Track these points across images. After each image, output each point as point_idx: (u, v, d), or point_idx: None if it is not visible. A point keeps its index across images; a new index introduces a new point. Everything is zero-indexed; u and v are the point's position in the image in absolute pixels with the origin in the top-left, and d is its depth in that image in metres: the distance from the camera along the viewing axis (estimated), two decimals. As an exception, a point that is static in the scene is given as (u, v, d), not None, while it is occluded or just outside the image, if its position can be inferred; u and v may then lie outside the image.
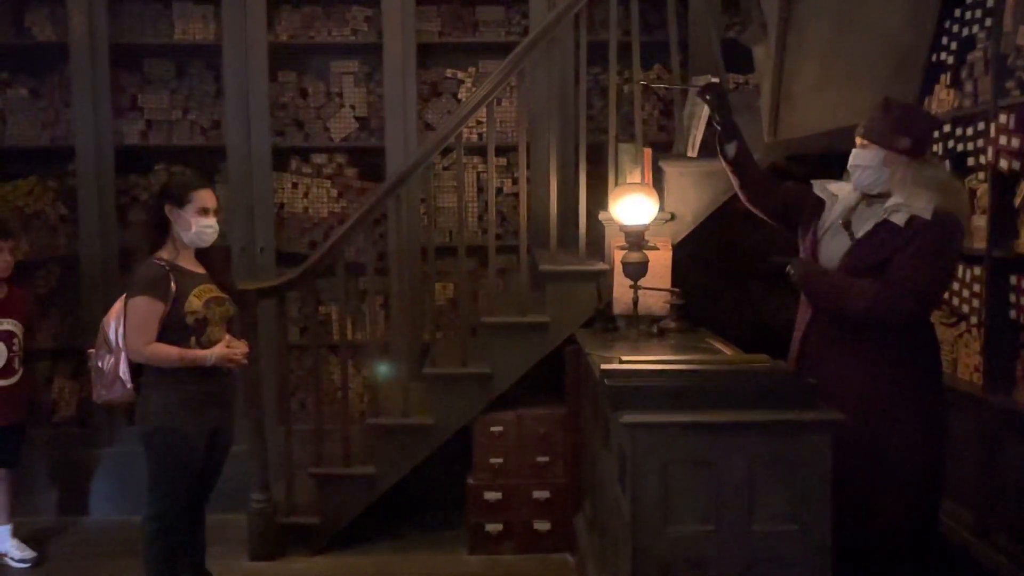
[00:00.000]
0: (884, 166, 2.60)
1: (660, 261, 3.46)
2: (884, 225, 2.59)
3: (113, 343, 3.04)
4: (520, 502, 3.81)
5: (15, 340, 3.71)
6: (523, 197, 3.87)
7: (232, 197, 4.27)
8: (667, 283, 3.49)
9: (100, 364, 3.07)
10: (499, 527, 3.81)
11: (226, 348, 3.04)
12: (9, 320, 3.71)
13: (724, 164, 3.09)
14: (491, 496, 3.80)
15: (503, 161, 4.37)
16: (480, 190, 4.41)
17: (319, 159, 4.45)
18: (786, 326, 4.27)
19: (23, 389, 3.79)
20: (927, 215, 2.53)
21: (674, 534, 2.22)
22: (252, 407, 3.77)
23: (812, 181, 2.87)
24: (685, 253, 3.66)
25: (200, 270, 3.11)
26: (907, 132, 2.59)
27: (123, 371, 3.03)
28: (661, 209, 3.48)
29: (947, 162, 3.34)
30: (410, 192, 4.02)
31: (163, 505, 3.05)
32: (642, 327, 3.40)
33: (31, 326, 3.88)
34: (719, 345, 3.08)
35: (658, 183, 3.65)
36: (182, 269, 3.05)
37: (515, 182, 4.36)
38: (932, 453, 2.60)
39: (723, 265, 4.33)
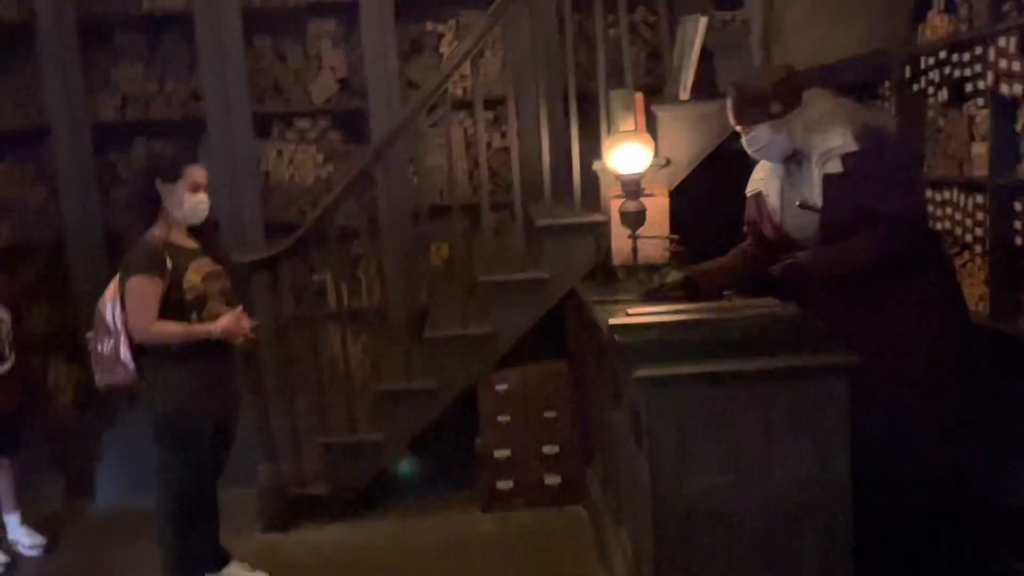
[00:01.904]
0: (777, 133, 2.66)
1: (658, 208, 3.40)
2: (827, 181, 2.59)
3: (111, 326, 2.99)
4: (530, 458, 3.80)
5: (2, 327, 3.65)
6: (514, 151, 3.79)
7: (215, 169, 4.16)
8: (665, 230, 3.43)
9: (100, 348, 3.02)
10: (510, 484, 3.81)
11: (230, 320, 2.98)
12: (-4, 307, 3.64)
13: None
14: (500, 454, 3.79)
15: (491, 115, 4.27)
16: (468, 146, 4.33)
17: (302, 124, 4.35)
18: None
19: (17, 376, 3.73)
20: (852, 146, 2.55)
21: (693, 487, 2.20)
22: (254, 381, 3.73)
23: (746, 192, 2.97)
24: (682, 198, 3.60)
25: (194, 245, 3.05)
26: (771, 99, 2.64)
27: (124, 354, 2.98)
28: (656, 155, 3.40)
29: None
30: (397, 153, 3.93)
31: (175, 487, 3.03)
32: (643, 276, 3.36)
33: (20, 313, 3.81)
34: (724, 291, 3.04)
35: (651, 128, 3.57)
36: (176, 245, 2.99)
37: (504, 136, 4.28)
38: (956, 403, 2.56)
39: (721, 208, 4.27)
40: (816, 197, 2.64)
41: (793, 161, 2.73)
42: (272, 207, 4.31)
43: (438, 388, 3.76)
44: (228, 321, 3.00)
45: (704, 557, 2.23)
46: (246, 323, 3.05)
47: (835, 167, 2.58)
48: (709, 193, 4.09)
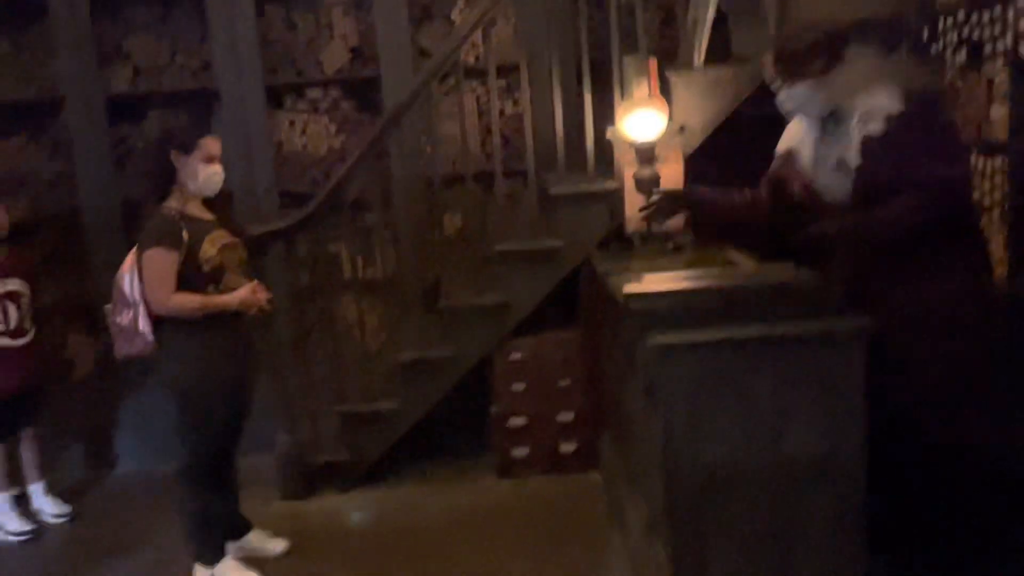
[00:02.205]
0: (817, 91, 2.56)
1: (672, 175, 3.38)
2: (867, 142, 2.47)
3: (130, 297, 3.01)
4: (544, 426, 3.83)
5: (22, 299, 3.68)
6: (527, 119, 3.77)
7: (229, 140, 4.17)
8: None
9: (119, 320, 3.05)
10: (525, 452, 3.84)
11: (247, 292, 3.01)
12: (14, 280, 3.67)
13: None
14: (515, 422, 3.81)
15: (503, 83, 4.24)
16: (481, 115, 4.30)
17: (314, 94, 4.33)
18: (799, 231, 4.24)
19: (37, 348, 3.77)
20: (897, 106, 2.43)
21: (706, 453, 2.21)
22: (271, 351, 3.76)
23: (776, 151, 2.86)
24: (696, 165, 3.58)
25: (210, 216, 3.07)
26: (813, 55, 2.54)
27: (143, 325, 3.01)
28: (670, 121, 3.38)
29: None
30: (410, 122, 3.92)
31: (195, 457, 3.07)
32: (657, 244, 3.34)
33: (38, 285, 3.84)
34: (738, 257, 3.02)
35: (665, 94, 3.54)
36: (192, 217, 3.00)
37: (516, 104, 4.25)
38: (983, 372, 2.47)
39: (735, 173, 4.24)
40: (853, 158, 2.53)
41: (831, 119, 2.61)
42: (285, 178, 4.31)
43: (453, 357, 3.78)
44: (245, 293, 3.02)
45: (717, 523, 2.24)
46: (262, 295, 3.07)
47: (876, 128, 2.45)
48: (724, 159, 4.07)
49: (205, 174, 3.01)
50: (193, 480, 3.09)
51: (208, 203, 3.09)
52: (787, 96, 2.65)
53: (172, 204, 3.00)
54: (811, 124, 2.69)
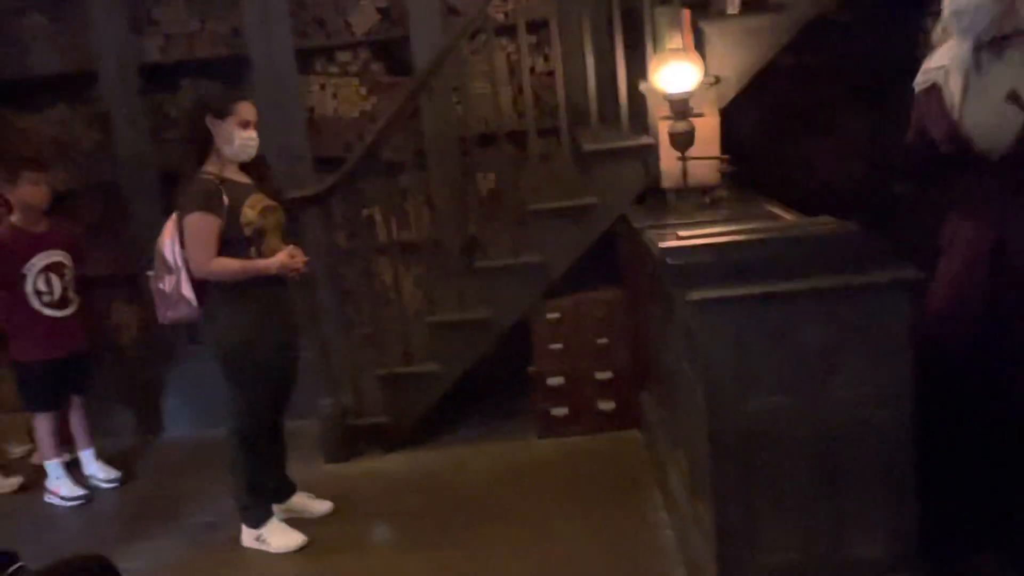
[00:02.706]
0: (997, 1, 2.17)
1: (708, 128, 3.33)
2: None
3: (172, 263, 3.05)
4: (583, 385, 3.82)
5: (65, 270, 3.74)
6: (559, 75, 3.72)
7: (261, 105, 4.16)
8: (716, 151, 3.36)
9: (161, 286, 3.09)
10: (565, 411, 3.84)
11: (287, 256, 3.03)
12: (57, 251, 3.73)
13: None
14: (554, 382, 3.81)
15: (533, 39, 4.18)
16: (512, 72, 4.25)
17: (344, 57, 4.32)
18: (843, 181, 4.16)
19: (82, 318, 3.84)
20: None
21: (749, 409, 2.18)
22: (311, 315, 3.79)
23: (914, 85, 2.47)
24: (732, 117, 3.51)
25: (247, 180, 3.09)
26: None
27: (186, 290, 3.04)
28: (705, 73, 3.31)
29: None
30: (441, 82, 3.88)
31: (244, 420, 3.13)
32: (694, 199, 3.30)
33: (81, 255, 3.90)
34: (777, 210, 2.98)
35: (699, 46, 3.47)
36: (231, 181, 3.03)
37: (547, 60, 4.20)
38: None
39: (772, 125, 4.17)
40: None
41: (989, 49, 2.23)
42: (319, 142, 4.31)
43: (491, 318, 3.78)
44: (284, 257, 3.04)
45: (761, 477, 2.22)
46: (299, 259, 3.08)
47: None
48: (761, 111, 4.00)
49: (240, 139, 3.02)
50: (242, 443, 3.14)
51: (245, 167, 3.11)
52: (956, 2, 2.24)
53: (210, 169, 3.02)
54: (963, 54, 2.27)
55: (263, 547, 3.20)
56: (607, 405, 3.83)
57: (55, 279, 3.69)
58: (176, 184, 3.14)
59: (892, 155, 2.76)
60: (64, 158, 4.36)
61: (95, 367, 4.00)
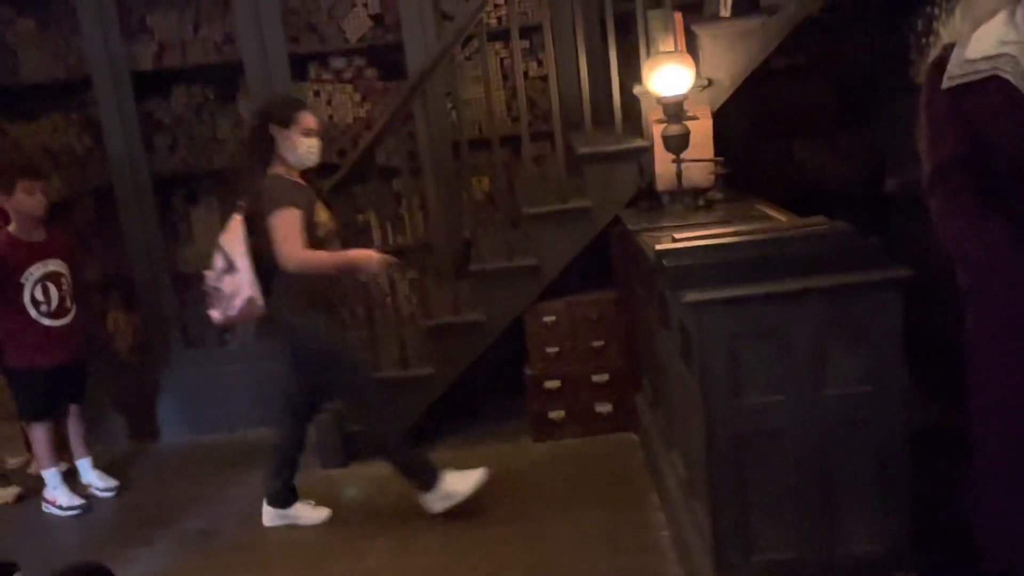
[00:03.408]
0: None
1: (701, 131, 3.35)
2: None
3: (234, 262, 3.10)
4: (579, 387, 3.83)
5: (63, 279, 3.74)
6: (552, 79, 3.73)
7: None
8: (710, 153, 3.38)
9: (219, 285, 3.13)
10: (561, 413, 3.85)
11: (377, 253, 3.14)
12: (54, 260, 3.72)
13: None
14: (550, 384, 3.82)
15: (526, 44, 4.20)
16: (505, 77, 4.27)
17: (337, 63, 4.33)
18: (835, 181, 4.19)
19: (79, 326, 3.83)
20: None
21: (745, 408, 2.20)
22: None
23: (946, 77, 1.93)
24: (724, 119, 3.53)
25: (306, 185, 3.16)
26: None
27: (253, 290, 3.09)
28: (698, 76, 3.34)
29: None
30: (435, 87, 3.90)
31: (359, 393, 3.27)
32: (688, 201, 3.32)
33: (77, 263, 3.90)
34: (771, 211, 3.00)
35: (692, 49, 3.49)
36: (301, 185, 3.12)
37: (540, 64, 4.22)
38: None
39: (763, 127, 4.19)
40: None
41: None
42: (313, 148, 4.31)
43: (486, 321, 3.79)
44: (380, 255, 3.14)
45: (757, 477, 2.24)
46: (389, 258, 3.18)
47: None
48: (754, 113, 4.02)
49: (304, 147, 3.10)
50: (388, 417, 3.26)
51: (302, 174, 3.18)
52: None
53: (280, 171, 3.09)
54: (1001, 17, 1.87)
55: (456, 501, 3.25)
56: (603, 407, 3.84)
57: (53, 288, 3.69)
58: (236, 187, 3.24)
59: (907, 172, 2.54)
60: (57, 166, 4.35)
61: (91, 375, 3.99)
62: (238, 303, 3.11)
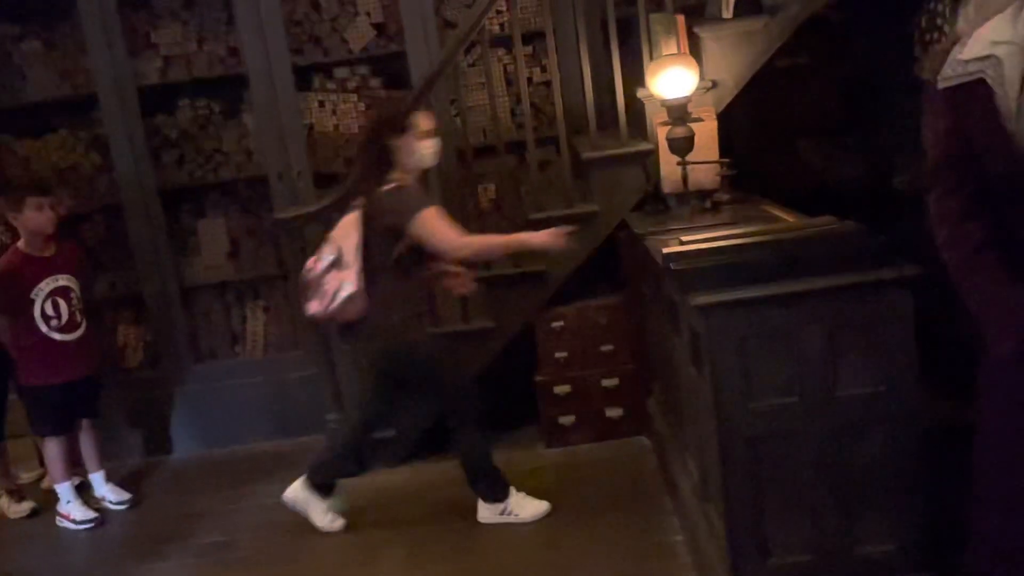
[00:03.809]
0: None
1: (706, 132, 3.34)
2: None
3: (346, 259, 3.13)
4: (590, 392, 3.83)
5: (73, 295, 3.75)
6: (556, 84, 3.73)
7: (261, 124, 4.21)
8: (715, 155, 3.38)
9: (322, 280, 3.16)
10: (572, 419, 3.85)
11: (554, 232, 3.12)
12: (64, 276, 3.74)
13: None
14: (560, 390, 3.82)
15: (529, 50, 4.20)
16: (509, 83, 4.27)
17: (341, 73, 4.33)
18: (841, 181, 4.18)
19: (90, 341, 3.85)
20: None
21: (757, 410, 2.19)
22: (315, 331, 3.80)
23: (938, 81, 1.81)
24: (729, 121, 3.53)
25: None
26: None
27: (357, 287, 3.12)
28: (701, 78, 3.33)
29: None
30: (438, 95, 3.90)
31: (467, 403, 3.23)
32: (694, 203, 3.32)
33: (86, 278, 3.92)
34: (778, 212, 2.99)
35: (695, 51, 3.49)
36: (420, 189, 3.19)
37: (543, 70, 4.22)
38: None
39: (768, 127, 4.19)
40: None
41: None
42: (318, 158, 4.33)
43: (495, 327, 3.79)
44: (553, 231, 3.12)
45: (771, 478, 2.23)
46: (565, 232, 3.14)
47: None
48: (758, 113, 4.02)
49: (421, 150, 3.15)
50: (477, 425, 3.24)
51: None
52: None
53: (399, 177, 3.13)
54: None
55: (511, 519, 3.25)
56: (614, 412, 3.84)
57: (62, 303, 3.70)
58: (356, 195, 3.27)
59: (915, 170, 2.53)
60: (65, 182, 4.37)
61: (102, 389, 4.01)
62: (340, 299, 3.13)
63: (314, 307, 3.21)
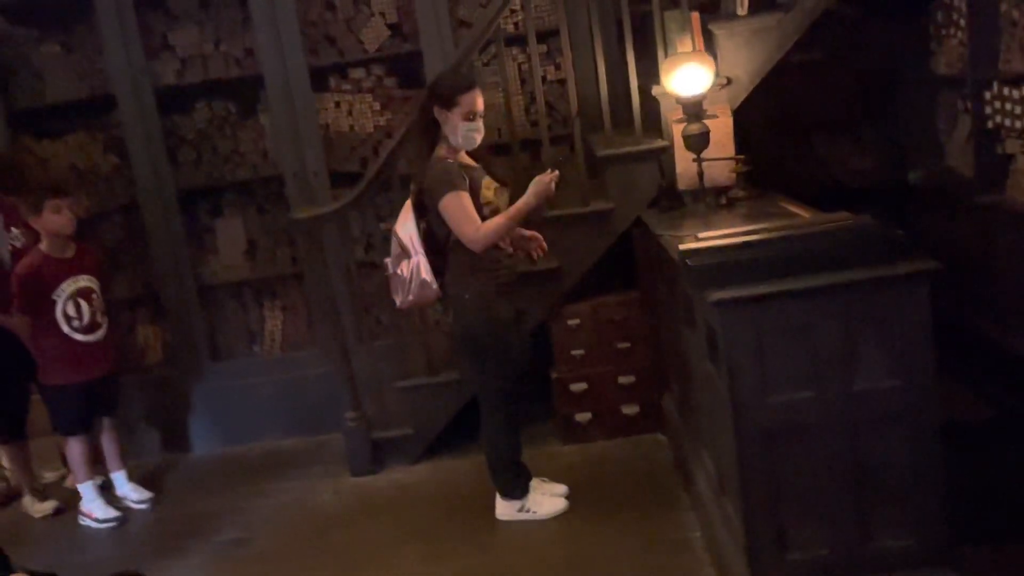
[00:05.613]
0: None
1: (721, 129, 3.34)
2: None
3: (410, 248, 3.14)
4: (606, 389, 3.83)
5: (94, 295, 3.79)
6: (571, 82, 3.74)
7: (277, 124, 4.24)
8: (730, 151, 3.38)
9: (400, 272, 3.18)
10: (588, 416, 3.86)
11: (541, 183, 3.06)
12: (85, 276, 3.77)
13: None
14: (577, 387, 3.83)
15: (544, 48, 4.21)
16: (523, 82, 4.29)
17: (357, 73, 4.36)
18: (856, 176, 4.17)
19: (111, 341, 3.89)
20: None
21: (774, 404, 2.20)
22: (332, 329, 3.82)
23: None
24: (744, 117, 3.53)
25: (475, 164, 3.17)
26: None
27: (427, 275, 3.13)
28: (716, 75, 3.33)
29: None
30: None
31: (503, 397, 3.21)
32: (710, 200, 3.32)
33: (106, 279, 3.95)
34: (793, 208, 2.99)
35: (710, 48, 3.49)
36: (466, 164, 3.12)
37: (558, 68, 4.23)
38: None
39: (783, 123, 4.18)
40: None
41: None
42: (334, 158, 4.35)
43: (511, 325, 3.79)
44: (540, 185, 3.04)
45: (788, 474, 2.23)
46: (549, 178, 3.06)
47: None
48: (773, 109, 4.01)
49: (464, 131, 3.08)
50: (507, 421, 3.23)
51: (472, 154, 3.19)
52: None
53: (444, 154, 3.10)
54: None
55: (528, 516, 3.26)
56: (631, 409, 3.84)
57: (84, 304, 3.74)
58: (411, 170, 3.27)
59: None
60: (83, 183, 4.41)
61: (123, 389, 4.04)
62: (414, 287, 3.15)
63: (398, 300, 3.24)
